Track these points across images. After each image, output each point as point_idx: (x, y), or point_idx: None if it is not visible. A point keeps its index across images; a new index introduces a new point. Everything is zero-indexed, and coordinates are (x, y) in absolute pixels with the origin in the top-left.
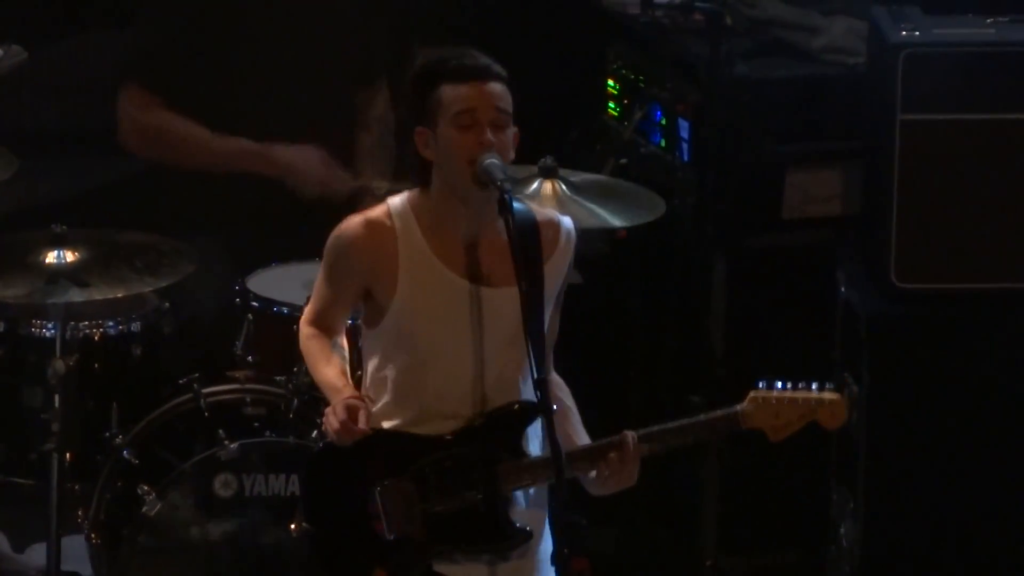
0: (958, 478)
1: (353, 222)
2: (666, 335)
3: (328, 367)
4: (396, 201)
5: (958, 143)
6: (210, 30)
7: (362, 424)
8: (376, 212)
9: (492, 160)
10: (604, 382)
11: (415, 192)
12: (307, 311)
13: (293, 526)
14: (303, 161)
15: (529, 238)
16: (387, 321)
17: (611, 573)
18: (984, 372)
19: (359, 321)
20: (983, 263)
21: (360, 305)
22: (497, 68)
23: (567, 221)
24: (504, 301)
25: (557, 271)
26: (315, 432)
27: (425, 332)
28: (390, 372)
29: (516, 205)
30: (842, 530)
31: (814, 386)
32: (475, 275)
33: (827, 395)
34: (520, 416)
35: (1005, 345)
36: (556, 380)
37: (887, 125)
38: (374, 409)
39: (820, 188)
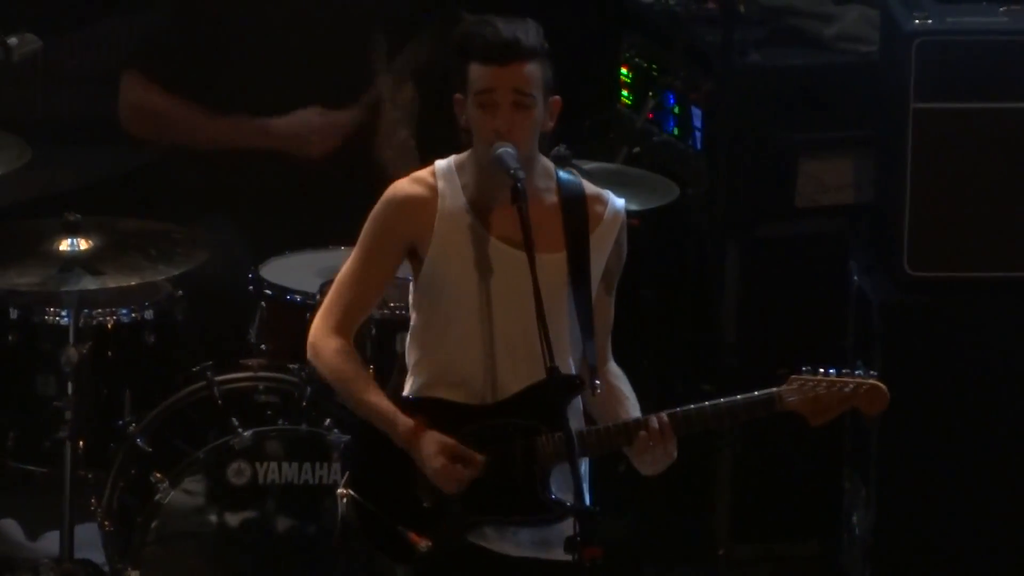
0: (971, 466)
1: (400, 181)
2: (678, 324)
3: (375, 396)
4: (442, 162)
5: (971, 131)
6: (210, 18)
7: (473, 458)
8: (422, 172)
9: (505, 150)
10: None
11: (462, 154)
12: (325, 317)
13: (339, 491)
14: (300, 124)
15: (574, 209)
16: (423, 272)
17: (624, 561)
18: (996, 360)
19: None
20: (996, 251)
21: (395, 279)
22: (526, 44)
23: (617, 200)
24: (540, 267)
25: (601, 246)
26: (327, 420)
27: (451, 283)
28: (421, 326)
29: (564, 175)
30: (855, 519)
31: (857, 372)
32: (508, 237)
33: (869, 380)
34: (559, 390)
35: (1018, 333)
36: (615, 371)
37: (900, 113)
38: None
39: (833, 176)
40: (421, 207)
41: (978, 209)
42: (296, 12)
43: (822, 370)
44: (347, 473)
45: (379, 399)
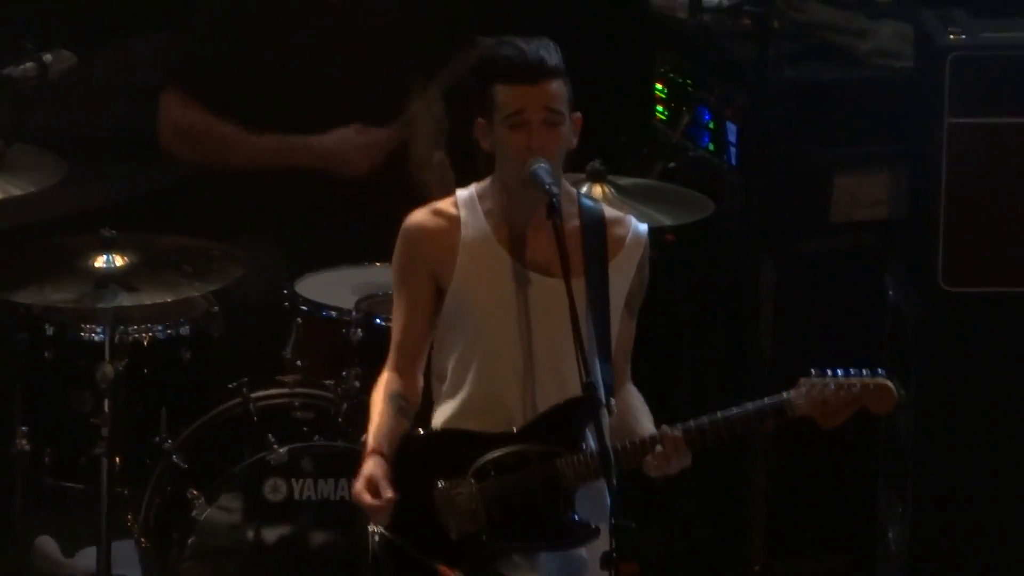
0: (1007, 482)
1: (419, 211)
2: (714, 339)
3: (372, 422)
4: (463, 191)
5: (1006, 146)
6: (249, 36)
7: (385, 494)
8: (442, 202)
9: (540, 166)
10: (651, 386)
11: (481, 182)
12: (390, 363)
13: (370, 528)
14: (339, 142)
15: (595, 234)
16: (447, 303)
17: None
18: None
19: None
20: None
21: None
22: (550, 63)
23: (639, 225)
24: (561, 292)
25: (623, 270)
26: (363, 436)
27: (479, 312)
28: (447, 358)
29: (585, 201)
30: (890, 535)
31: (864, 372)
32: (534, 263)
33: (875, 380)
34: (577, 412)
35: None
36: (632, 391)
37: (935, 128)
38: (438, 404)
39: (868, 192)
40: (441, 237)
41: (1013, 224)
42: (334, 32)
43: (829, 372)
44: None
45: (371, 430)
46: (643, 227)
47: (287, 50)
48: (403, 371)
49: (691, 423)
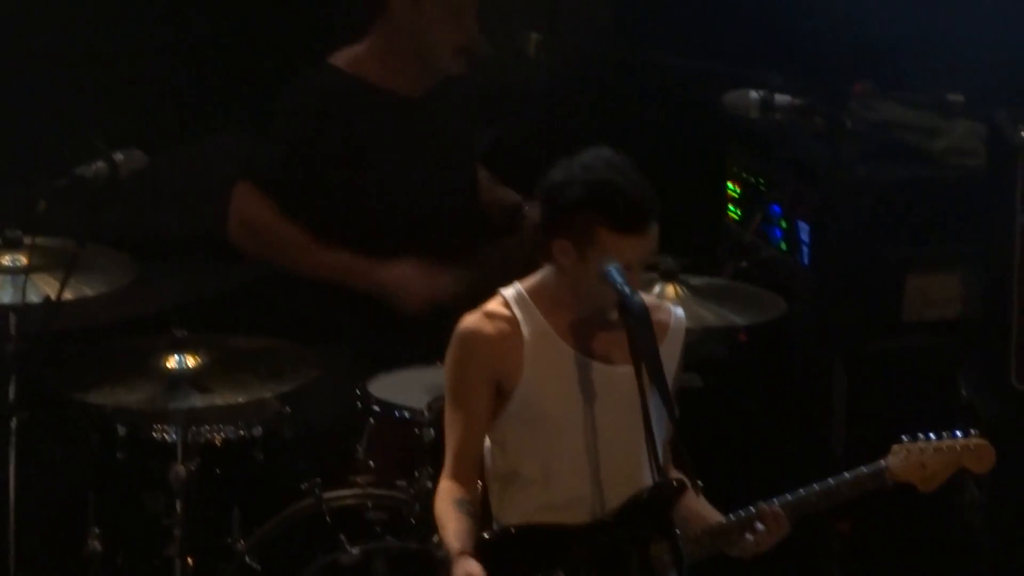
0: None
1: (472, 316)
2: (787, 439)
3: (447, 528)
4: (508, 291)
5: None
6: (329, 138)
7: None
8: (491, 303)
9: (614, 264)
10: (724, 486)
11: (529, 279)
12: (446, 472)
13: None
14: (401, 277)
15: (644, 320)
16: (513, 404)
17: None
18: None
19: None
20: None
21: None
22: (655, 205)
23: (677, 309)
24: (624, 379)
25: (670, 355)
26: (436, 537)
27: (547, 409)
28: (515, 457)
29: (626, 290)
30: None
31: (957, 433)
32: (595, 352)
33: (972, 440)
34: (664, 495)
35: None
36: (673, 471)
37: (1007, 227)
38: (502, 504)
39: (940, 290)
40: (502, 339)
41: None
42: (411, 132)
43: (922, 436)
44: None
45: (448, 533)
46: (681, 311)
47: (364, 150)
48: (463, 479)
49: (788, 496)
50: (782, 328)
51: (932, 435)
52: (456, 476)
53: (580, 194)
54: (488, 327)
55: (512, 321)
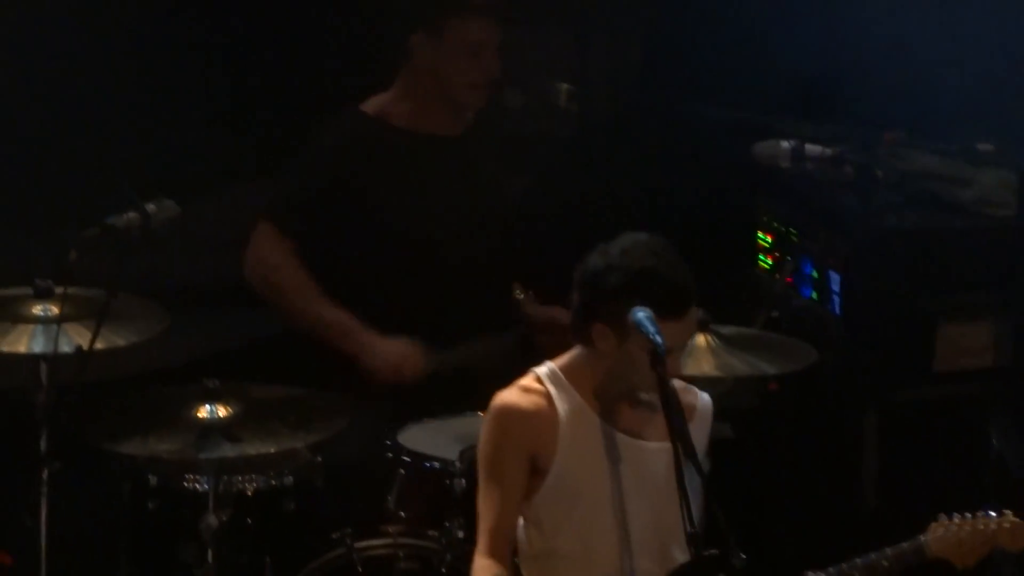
0: None
1: (508, 392)
2: (818, 489)
3: None
4: (541, 368)
5: None
6: (356, 189)
7: None
8: (525, 380)
9: (641, 313)
10: (755, 535)
11: (561, 358)
12: (480, 547)
13: None
14: (398, 356)
15: (673, 398)
16: (549, 481)
17: None
18: None
19: None
20: None
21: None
22: (691, 288)
23: (703, 393)
24: (656, 455)
25: (698, 437)
26: None
27: (582, 486)
28: (553, 537)
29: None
30: None
31: (991, 514)
32: (629, 429)
33: (1007, 520)
34: (710, 568)
35: None
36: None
37: None
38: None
39: (972, 340)
40: (539, 417)
41: None
42: (441, 187)
43: (957, 515)
44: None
45: None
46: (708, 397)
47: (388, 191)
48: (498, 556)
49: (830, 569)
50: (813, 378)
51: (968, 515)
52: (492, 553)
53: (620, 281)
54: (524, 403)
55: (547, 397)
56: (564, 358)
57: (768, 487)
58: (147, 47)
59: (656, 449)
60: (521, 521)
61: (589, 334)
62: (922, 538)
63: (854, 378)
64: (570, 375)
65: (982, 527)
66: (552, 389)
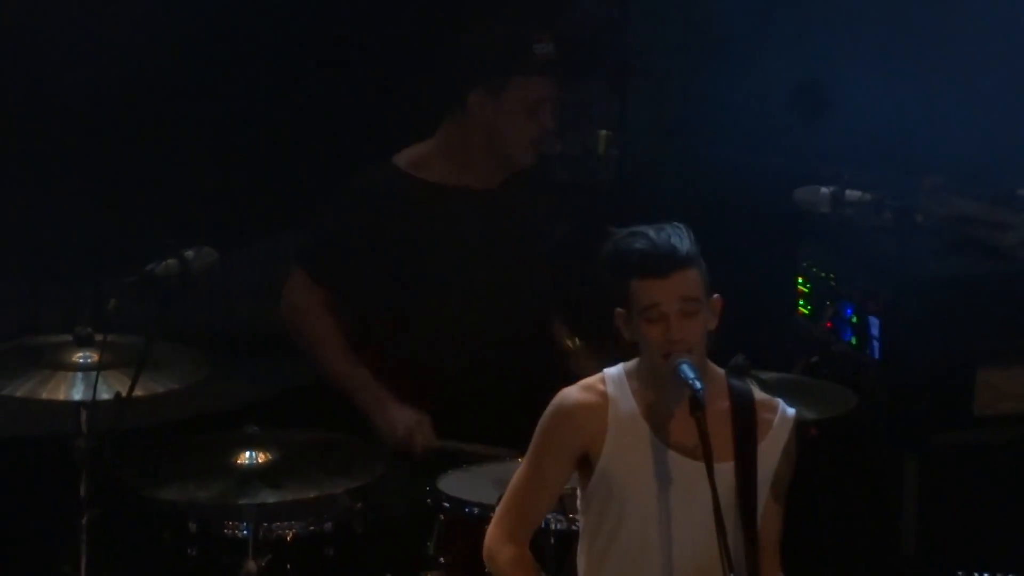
0: None
1: (570, 391)
2: (857, 534)
3: None
4: (611, 369)
5: None
6: (388, 242)
7: None
8: (591, 379)
9: (683, 362)
10: None
11: (630, 362)
12: (500, 524)
13: None
14: (409, 428)
15: (744, 416)
16: (594, 480)
17: None
18: None
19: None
20: None
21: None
22: (682, 252)
23: (787, 408)
24: (705, 474)
25: (770, 453)
26: None
27: (623, 493)
28: (597, 534)
29: (735, 383)
30: None
31: None
32: (681, 445)
33: None
34: None
35: None
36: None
37: None
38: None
39: (1013, 385)
40: (593, 414)
41: None
42: (480, 241)
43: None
44: None
45: None
46: (791, 411)
47: (423, 245)
48: (521, 541)
49: None
50: (853, 423)
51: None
52: (515, 538)
53: (612, 258)
54: (579, 401)
55: (604, 396)
56: (632, 362)
57: (807, 532)
58: (187, 95)
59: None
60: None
61: (617, 327)
62: None
63: (893, 422)
64: (631, 379)
65: None
66: (612, 391)
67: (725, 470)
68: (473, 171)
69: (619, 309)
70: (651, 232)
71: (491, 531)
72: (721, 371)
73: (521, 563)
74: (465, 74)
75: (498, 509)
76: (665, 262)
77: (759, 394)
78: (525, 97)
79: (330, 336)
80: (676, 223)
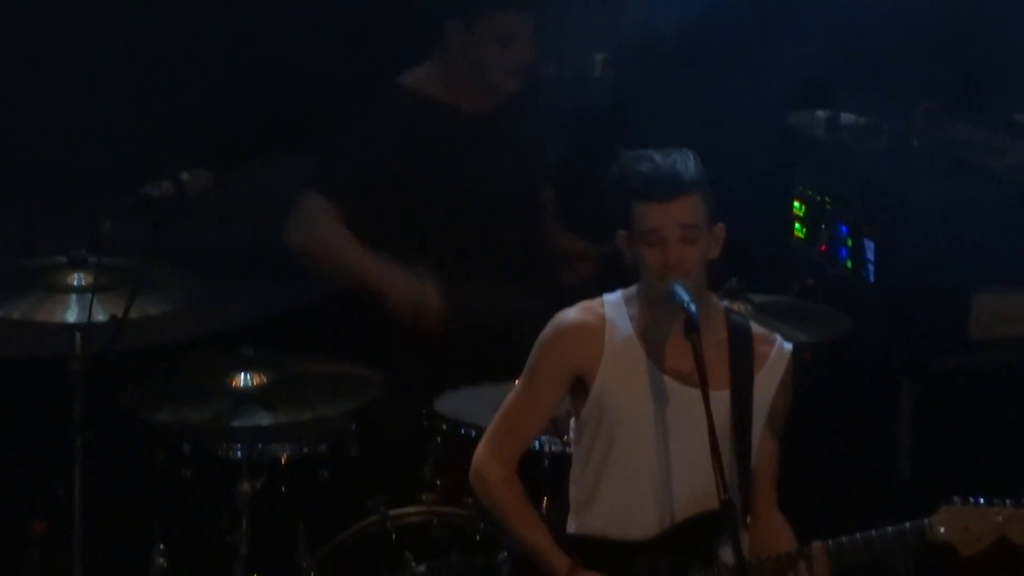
0: None
1: (567, 311)
2: (852, 458)
3: (534, 530)
4: (611, 295)
5: None
6: (407, 163)
7: None
8: (590, 302)
9: (677, 284)
10: (788, 505)
11: (629, 288)
12: (489, 443)
13: None
14: (422, 294)
15: (741, 347)
16: (588, 404)
17: None
18: None
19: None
20: None
21: (560, 409)
22: (685, 178)
23: (784, 342)
24: (701, 403)
25: (766, 386)
26: (503, 553)
27: (617, 418)
28: (589, 460)
29: (734, 316)
30: None
31: (1007, 501)
32: (677, 372)
33: (1020, 510)
34: (714, 525)
35: None
36: (777, 516)
37: None
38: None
39: (1008, 308)
40: (589, 336)
41: None
42: (480, 163)
43: (971, 500)
44: None
45: (537, 534)
46: (788, 345)
47: (434, 165)
48: (509, 462)
49: (830, 541)
50: (848, 346)
51: (982, 499)
52: (503, 459)
53: (615, 179)
54: (576, 321)
55: (601, 319)
56: (632, 288)
57: (802, 456)
58: (182, 21)
59: (700, 396)
60: (575, 453)
61: (619, 248)
62: (926, 520)
63: (888, 346)
64: (629, 304)
65: (992, 515)
66: (610, 314)
67: (721, 398)
68: (467, 94)
69: (621, 231)
70: (657, 156)
71: (480, 450)
72: (721, 304)
73: (509, 483)
74: (439, 3)
75: (488, 428)
76: (667, 187)
77: (757, 328)
78: (497, 30)
79: (353, 241)
80: (685, 149)
